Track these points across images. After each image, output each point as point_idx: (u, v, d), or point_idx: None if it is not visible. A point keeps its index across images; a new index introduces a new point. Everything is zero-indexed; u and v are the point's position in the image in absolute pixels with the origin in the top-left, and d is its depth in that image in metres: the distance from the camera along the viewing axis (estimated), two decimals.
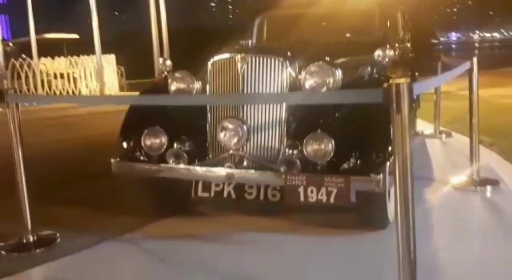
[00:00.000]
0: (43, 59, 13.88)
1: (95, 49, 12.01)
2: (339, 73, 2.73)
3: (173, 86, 3.06)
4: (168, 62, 3.50)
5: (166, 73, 3.37)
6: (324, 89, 2.72)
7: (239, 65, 2.80)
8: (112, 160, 2.98)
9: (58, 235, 2.96)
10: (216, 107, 2.87)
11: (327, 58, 2.89)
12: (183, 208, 3.24)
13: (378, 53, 3.02)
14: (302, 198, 2.51)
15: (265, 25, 4.55)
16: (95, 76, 13.70)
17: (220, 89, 2.89)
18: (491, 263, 2.44)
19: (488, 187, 3.61)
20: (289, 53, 2.90)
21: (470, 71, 3.68)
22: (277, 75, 2.79)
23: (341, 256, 2.56)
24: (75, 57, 13.62)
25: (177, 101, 2.83)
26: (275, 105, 2.77)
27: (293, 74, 2.83)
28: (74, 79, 13.32)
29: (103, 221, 3.23)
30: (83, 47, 14.99)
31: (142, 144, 2.90)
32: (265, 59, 2.80)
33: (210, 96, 2.91)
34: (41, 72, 12.85)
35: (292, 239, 2.81)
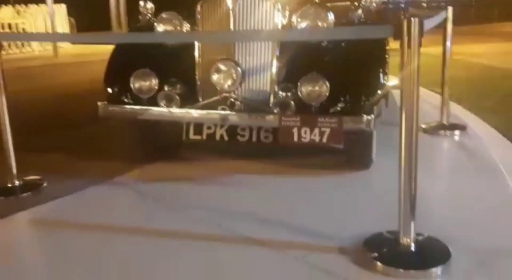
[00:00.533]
0: None
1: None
2: (331, 16, 2.76)
3: (160, 28, 2.99)
4: (150, 5, 3.41)
5: (149, 16, 3.28)
6: None
7: (230, 5, 2.77)
8: (99, 104, 2.92)
9: (44, 180, 2.92)
10: (207, 48, 2.85)
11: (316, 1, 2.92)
12: (173, 151, 3.24)
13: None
14: (296, 138, 2.57)
15: None
16: (45, 28, 13.00)
17: (211, 28, 2.86)
18: (464, 195, 2.64)
19: (457, 131, 3.84)
20: None
21: (444, 22, 3.81)
22: (269, 17, 2.79)
23: (330, 193, 2.68)
24: (22, 5, 12.81)
25: (167, 39, 2.77)
26: (268, 47, 2.78)
27: (285, 16, 2.84)
28: (23, 30, 12.59)
29: (91, 166, 3.20)
30: None
31: (132, 86, 2.85)
32: (256, 0, 2.78)
33: (204, 34, 2.87)
34: None
35: (281, 180, 2.90)
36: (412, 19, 1.74)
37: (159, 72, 2.84)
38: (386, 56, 2.78)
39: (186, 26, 2.98)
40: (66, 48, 13.19)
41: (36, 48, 12.80)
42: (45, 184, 2.88)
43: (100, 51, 12.17)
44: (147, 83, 2.83)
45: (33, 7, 12.93)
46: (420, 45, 1.76)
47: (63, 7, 13.92)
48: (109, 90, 2.95)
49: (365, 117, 2.54)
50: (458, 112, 4.61)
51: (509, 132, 3.88)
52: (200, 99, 2.84)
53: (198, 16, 2.89)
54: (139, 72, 2.83)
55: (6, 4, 13.40)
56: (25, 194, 2.78)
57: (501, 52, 11.01)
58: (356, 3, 3.07)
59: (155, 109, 2.80)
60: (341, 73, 2.63)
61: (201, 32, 2.88)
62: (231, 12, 2.77)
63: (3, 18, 12.56)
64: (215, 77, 2.71)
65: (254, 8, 2.78)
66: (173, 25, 2.98)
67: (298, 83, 2.60)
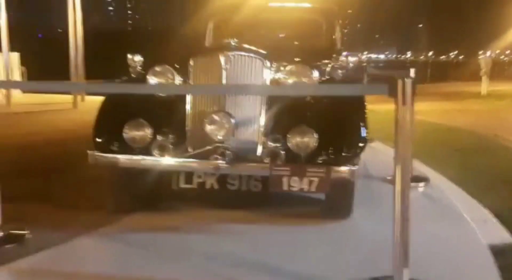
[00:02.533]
0: None
1: (2, 45, 11.15)
2: (315, 73, 3.00)
3: (153, 81, 3.11)
4: (138, 58, 3.53)
5: (139, 68, 3.40)
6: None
7: (222, 62, 2.95)
8: (88, 152, 2.95)
9: (28, 231, 2.84)
10: (198, 100, 2.99)
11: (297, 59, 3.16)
12: (161, 200, 3.27)
13: (343, 58, 3.35)
14: (285, 187, 2.71)
15: (218, 29, 4.72)
16: None
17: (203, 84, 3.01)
18: (438, 241, 2.84)
19: (421, 183, 4.12)
20: (267, 55, 3.11)
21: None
22: (258, 73, 2.99)
23: (313, 243, 2.80)
24: None
25: (162, 91, 2.87)
26: (256, 100, 2.96)
27: (273, 72, 3.05)
28: None
29: (75, 215, 3.16)
30: None
31: (125, 135, 2.91)
32: (247, 57, 2.99)
33: (198, 86, 3.01)
34: None
35: (268, 228, 3.00)
36: (406, 79, 1.97)
37: (151, 121, 2.93)
38: (365, 110, 3.03)
39: (179, 79, 3.11)
40: (17, 97, 12.90)
41: None
42: (29, 235, 2.81)
43: (54, 100, 12.07)
44: (141, 133, 2.91)
45: None
46: (413, 102, 1.99)
47: (15, 56, 13.71)
48: (99, 139, 2.99)
49: (351, 168, 2.73)
50: (416, 165, 4.93)
51: (464, 184, 4.22)
52: (191, 149, 2.94)
53: (191, 70, 3.05)
54: (133, 122, 2.91)
55: None
56: (9, 246, 2.70)
57: (442, 110, 11.91)
58: (335, 63, 3.34)
59: (148, 158, 2.86)
60: (327, 126, 2.83)
61: (195, 85, 3.02)
62: (223, 68, 2.95)
63: None
64: (209, 128, 2.83)
65: (245, 65, 2.98)
66: (166, 78, 3.11)
67: (288, 135, 2.77)
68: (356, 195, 3.15)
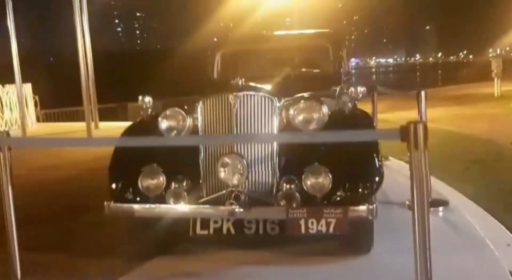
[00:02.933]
0: None
1: (15, 78, 11.31)
2: (325, 109, 2.97)
3: (164, 124, 3.12)
4: (147, 99, 3.55)
5: (150, 110, 3.41)
6: (313, 124, 2.95)
7: (232, 102, 2.94)
8: (105, 203, 2.95)
9: None
10: (210, 144, 2.98)
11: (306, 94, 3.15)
12: (177, 246, 3.25)
13: (351, 89, 3.32)
14: (303, 230, 2.68)
15: (226, 60, 4.73)
16: (9, 107, 12.92)
17: (212, 127, 3.01)
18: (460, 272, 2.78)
19: (440, 208, 4.04)
20: (275, 92, 3.10)
21: (418, 102, 4.13)
22: (268, 111, 2.98)
23: None
24: None
25: (172, 142, 2.86)
26: (269, 142, 2.95)
27: (283, 110, 3.03)
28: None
29: (92, 264, 3.15)
30: None
31: (139, 185, 2.91)
32: (256, 97, 2.98)
33: (208, 137, 3.01)
34: None
35: (284, 270, 2.95)
36: (418, 124, 1.94)
37: (165, 168, 2.92)
38: (378, 143, 2.99)
39: (189, 122, 3.10)
40: (32, 127, 13.08)
41: (1, 128, 12.60)
42: None
43: (68, 129, 12.17)
44: (155, 182, 2.90)
45: None
46: (426, 146, 1.96)
47: (28, 86, 13.93)
48: (114, 189, 2.99)
49: (368, 206, 2.69)
50: (433, 182, 4.83)
51: (485, 201, 4.12)
52: (206, 194, 2.93)
53: (200, 111, 3.05)
54: (147, 169, 2.90)
55: None
56: None
57: (454, 116, 11.73)
58: (344, 94, 3.31)
59: (163, 206, 2.85)
60: (341, 163, 2.80)
61: (206, 136, 3.01)
62: (232, 108, 2.94)
63: None
64: (222, 173, 2.82)
65: (254, 104, 2.97)
66: (177, 120, 3.11)
67: (302, 176, 2.74)
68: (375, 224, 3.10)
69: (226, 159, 2.83)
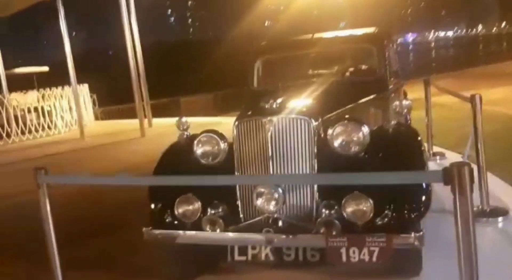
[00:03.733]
0: (13, 94, 13.55)
1: (71, 80, 11.72)
2: (365, 129, 2.81)
3: (199, 150, 3.07)
4: (184, 119, 3.52)
5: (186, 134, 3.38)
6: (355, 147, 2.80)
7: (266, 127, 2.84)
8: (144, 229, 2.96)
9: None
10: (244, 168, 2.91)
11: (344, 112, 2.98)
12: (215, 271, 3.22)
13: (396, 103, 3.12)
14: (344, 258, 2.56)
15: (266, 67, 4.61)
16: (68, 108, 13.49)
17: (247, 152, 2.92)
18: None
19: (500, 218, 3.75)
20: (313, 111, 2.97)
21: (473, 106, 3.83)
22: (305, 135, 2.85)
23: None
24: (47, 89, 13.34)
25: (203, 182, 2.75)
26: (305, 163, 2.83)
27: (320, 132, 2.90)
28: (48, 112, 13.05)
29: None
30: (53, 79, 14.73)
31: (176, 212, 2.89)
32: (291, 120, 2.86)
33: (242, 177, 2.95)
34: (13, 108, 12.53)
35: None
36: (462, 167, 1.76)
37: (201, 195, 2.88)
38: (425, 160, 2.80)
39: (224, 146, 3.04)
40: (90, 126, 13.58)
41: (62, 129, 13.19)
42: None
43: (124, 128, 12.50)
44: (191, 208, 2.87)
45: (56, 90, 13.44)
46: (471, 191, 1.77)
47: (85, 87, 14.45)
48: (153, 215, 3.00)
49: (414, 234, 2.52)
50: (492, 184, 4.39)
51: None
52: (243, 219, 2.87)
53: (236, 136, 2.97)
54: (183, 197, 2.88)
55: (32, 89, 13.98)
56: None
57: None
58: (385, 106, 3.12)
59: (199, 233, 2.82)
60: (383, 189, 2.63)
61: (239, 176, 2.96)
62: (267, 132, 2.84)
63: (30, 103, 13.06)
64: (258, 201, 2.74)
65: (289, 127, 2.85)
66: (211, 145, 3.06)
67: (342, 202, 2.61)
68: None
69: (261, 189, 2.74)
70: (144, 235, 2.97)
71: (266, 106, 2.97)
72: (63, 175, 2.61)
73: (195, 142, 3.08)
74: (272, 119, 2.85)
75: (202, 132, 3.12)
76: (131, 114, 16.78)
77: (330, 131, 2.86)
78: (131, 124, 13.03)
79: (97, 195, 5.50)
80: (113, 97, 18.28)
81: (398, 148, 2.86)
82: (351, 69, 4.47)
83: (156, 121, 12.93)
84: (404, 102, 3.11)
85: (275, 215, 2.76)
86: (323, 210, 2.72)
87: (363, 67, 4.51)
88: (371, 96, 3.89)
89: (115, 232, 4.39)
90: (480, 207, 3.82)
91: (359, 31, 4.67)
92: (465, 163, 1.78)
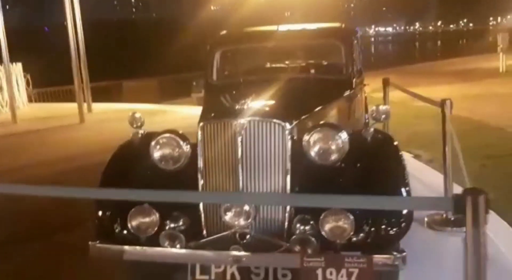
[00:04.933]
0: None
1: (2, 58, 10.72)
2: (344, 136, 2.56)
3: (157, 153, 2.70)
4: (138, 115, 3.12)
5: (141, 132, 3.00)
6: (333, 155, 2.55)
7: (236, 131, 2.53)
8: (90, 243, 2.56)
9: None
10: (211, 174, 2.59)
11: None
12: None
13: (373, 108, 2.90)
14: None
15: (225, 59, 4.26)
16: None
17: (213, 157, 2.59)
18: None
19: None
20: (286, 113, 2.68)
21: (443, 110, 3.72)
22: (278, 140, 2.56)
23: None
24: None
25: (163, 197, 2.39)
26: (278, 173, 2.55)
27: (295, 138, 2.62)
28: None
29: None
30: None
31: (129, 224, 2.52)
32: (264, 123, 2.56)
33: (207, 194, 2.57)
34: None
35: None
36: (478, 196, 1.54)
37: (159, 206, 2.52)
38: (406, 174, 2.60)
39: (186, 149, 2.69)
40: (23, 109, 12.59)
41: None
42: None
43: (60, 112, 11.68)
44: (147, 220, 2.51)
45: None
46: (485, 222, 1.56)
47: (19, 66, 13.37)
48: (101, 228, 2.61)
49: (396, 255, 2.31)
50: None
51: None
52: (206, 234, 2.55)
53: (200, 139, 2.63)
54: (138, 209, 2.51)
55: None
56: None
57: (462, 96, 11.13)
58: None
59: (157, 250, 2.47)
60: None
61: (206, 192, 2.58)
62: (237, 136, 2.53)
63: None
64: (227, 216, 2.42)
65: (262, 131, 2.55)
66: (172, 148, 2.70)
67: (320, 217, 2.35)
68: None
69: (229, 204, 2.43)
70: (89, 250, 2.58)
71: (236, 107, 2.65)
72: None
73: (153, 143, 2.71)
74: (243, 122, 2.54)
75: (161, 132, 2.74)
76: (68, 97, 15.81)
77: (306, 137, 2.59)
78: (68, 108, 12.19)
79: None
80: (49, 78, 17.09)
81: (378, 158, 2.64)
82: (317, 65, 4.22)
83: (96, 106, 12.20)
84: (382, 108, 2.89)
85: (244, 230, 2.46)
86: (298, 226, 2.45)
87: (329, 63, 4.28)
88: (341, 96, 3.67)
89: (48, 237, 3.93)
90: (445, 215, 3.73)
91: (325, 26, 4.42)
92: (479, 191, 1.56)
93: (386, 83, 5.57)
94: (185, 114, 10.13)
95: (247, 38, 4.35)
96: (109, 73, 18.49)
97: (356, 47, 4.22)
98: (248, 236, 2.47)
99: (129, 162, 2.83)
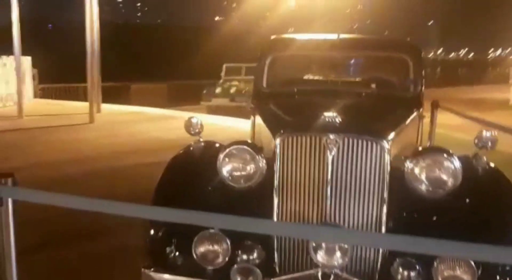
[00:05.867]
0: None
1: (14, 50, 10.25)
2: (457, 163, 2.14)
3: (226, 167, 2.27)
4: (195, 120, 2.71)
5: (200, 138, 2.58)
6: (443, 186, 2.13)
7: (326, 147, 2.12)
8: (143, 270, 2.12)
9: None
10: (290, 198, 2.17)
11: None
12: None
13: (479, 134, 2.49)
14: None
15: (277, 66, 3.84)
16: (6, 80, 11.97)
17: (295, 177, 2.18)
18: None
19: None
20: (380, 131, 2.27)
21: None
22: (376, 162, 2.15)
23: None
24: None
25: (238, 225, 1.94)
26: (374, 204, 2.13)
27: (398, 160, 2.21)
28: None
29: None
30: None
31: (193, 252, 2.08)
32: (361, 141, 2.15)
33: (303, 227, 2.09)
34: None
35: None
36: None
37: (230, 231, 2.08)
38: None
39: (262, 163, 2.26)
40: (29, 104, 12.12)
41: None
42: None
43: (68, 110, 11.23)
44: (216, 249, 2.07)
45: None
46: None
47: (28, 60, 12.94)
48: (155, 248, 2.17)
49: None
50: None
51: None
52: (284, 269, 2.12)
53: (278, 154, 2.21)
54: (206, 234, 2.07)
55: None
56: None
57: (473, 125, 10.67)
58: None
59: None
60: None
61: (296, 225, 2.07)
62: (328, 154, 2.12)
63: None
64: (318, 254, 1.98)
65: (358, 150, 2.14)
66: (243, 162, 2.27)
67: (434, 264, 1.93)
68: None
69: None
70: (141, 277, 2.14)
71: (321, 120, 2.24)
72: (39, 191, 1.73)
73: (221, 156, 2.27)
74: (334, 138, 2.12)
75: (232, 143, 2.31)
76: (75, 95, 15.37)
77: (409, 164, 2.18)
78: (77, 106, 11.76)
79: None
80: (57, 74, 16.66)
81: (495, 194, 2.23)
82: (379, 79, 3.81)
83: (105, 106, 11.75)
84: (486, 134, 2.49)
85: (334, 271, 2.02)
86: (401, 270, 2.01)
87: (393, 79, 3.87)
88: (412, 115, 3.27)
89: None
90: None
91: (391, 38, 4.03)
92: None
93: (435, 106, 5.19)
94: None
95: (304, 45, 3.94)
96: (115, 75, 18.08)
97: (423, 67, 3.83)
98: (332, 277, 2.04)
99: (189, 176, 2.39)
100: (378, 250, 2.09)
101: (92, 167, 6.09)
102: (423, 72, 3.70)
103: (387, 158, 2.14)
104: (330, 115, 2.31)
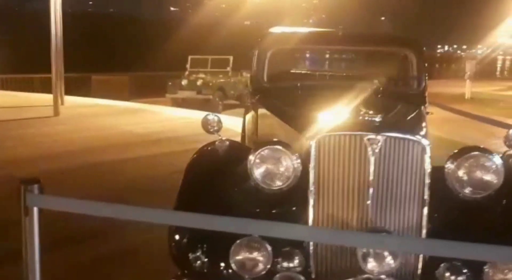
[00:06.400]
0: None
1: None
2: (499, 163, 2.09)
3: (259, 169, 2.12)
4: (211, 116, 2.54)
5: (220, 136, 2.42)
6: (486, 187, 2.08)
7: (371, 147, 2.02)
8: None
9: None
10: (326, 199, 2.06)
11: None
12: None
13: (508, 133, 2.46)
14: None
15: (278, 60, 3.70)
16: None
17: (333, 178, 2.07)
18: None
19: None
20: (417, 130, 2.20)
21: None
22: (417, 163, 2.07)
23: None
24: None
25: (288, 233, 1.80)
26: (414, 206, 2.06)
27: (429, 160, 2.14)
28: None
29: None
30: None
31: (231, 260, 1.93)
32: (403, 142, 2.06)
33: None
34: None
35: None
36: None
37: (270, 238, 1.95)
38: None
39: (296, 166, 2.13)
40: None
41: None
42: None
43: (32, 102, 10.59)
44: (256, 256, 1.93)
45: None
46: None
47: None
48: (185, 258, 2.01)
49: None
50: None
51: None
52: (324, 276, 2.01)
53: (314, 153, 2.09)
54: (245, 240, 1.93)
55: None
56: None
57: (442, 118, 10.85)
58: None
59: None
60: None
61: (320, 229, 2.01)
62: (370, 154, 2.02)
63: None
64: (367, 262, 1.88)
65: (399, 150, 2.05)
66: (277, 163, 2.13)
67: (484, 268, 1.87)
68: None
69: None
70: None
71: (364, 119, 2.14)
72: (64, 198, 1.52)
73: (252, 157, 2.12)
74: (376, 138, 2.03)
75: (264, 143, 2.17)
76: (32, 87, 14.64)
77: (449, 164, 2.11)
78: (37, 98, 11.20)
79: None
80: (9, 65, 15.77)
81: None
82: (380, 75, 3.76)
83: (68, 99, 11.21)
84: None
85: (380, 277, 1.93)
86: (447, 275, 1.94)
87: (395, 75, 3.82)
88: (419, 112, 3.22)
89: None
90: None
91: (394, 34, 3.98)
92: None
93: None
94: (168, 115, 9.40)
95: (305, 39, 3.83)
96: (75, 65, 17.36)
97: (425, 63, 3.79)
98: None
99: (215, 179, 2.23)
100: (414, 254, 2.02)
101: (68, 163, 5.76)
102: (426, 68, 3.67)
103: (427, 158, 2.07)
104: (365, 113, 2.21)
